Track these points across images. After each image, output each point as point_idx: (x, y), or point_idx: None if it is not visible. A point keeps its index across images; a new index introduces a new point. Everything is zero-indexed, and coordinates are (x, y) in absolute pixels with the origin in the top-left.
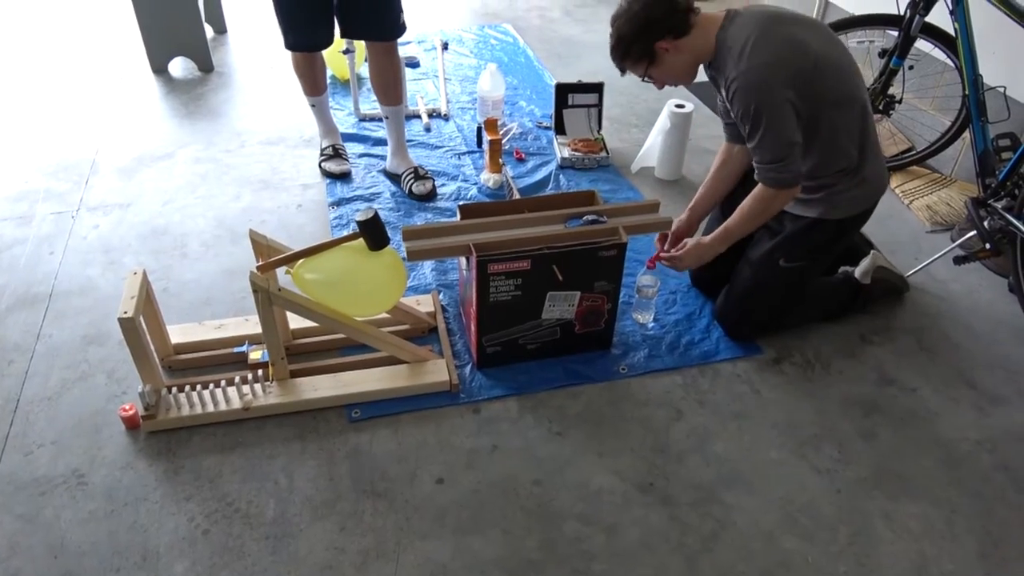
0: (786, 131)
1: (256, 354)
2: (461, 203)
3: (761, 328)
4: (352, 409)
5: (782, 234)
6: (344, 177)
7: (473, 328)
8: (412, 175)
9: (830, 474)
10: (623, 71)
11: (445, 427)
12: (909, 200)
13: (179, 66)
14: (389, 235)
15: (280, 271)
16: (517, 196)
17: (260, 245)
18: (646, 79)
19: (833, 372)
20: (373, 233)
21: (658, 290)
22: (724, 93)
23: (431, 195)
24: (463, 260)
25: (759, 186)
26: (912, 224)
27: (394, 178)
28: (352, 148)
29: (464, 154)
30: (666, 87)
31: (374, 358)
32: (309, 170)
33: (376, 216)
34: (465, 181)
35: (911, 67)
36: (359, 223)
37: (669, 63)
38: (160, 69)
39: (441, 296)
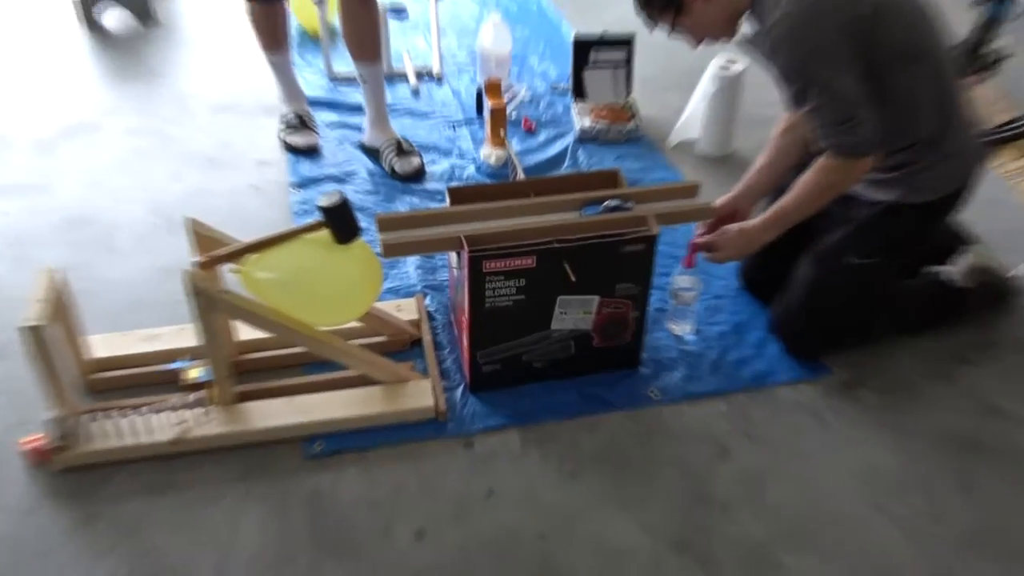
0: (845, 85)
1: (195, 372)
2: (452, 185)
3: (830, 343)
4: (313, 442)
5: (852, 224)
6: (311, 152)
7: (465, 341)
8: (394, 150)
9: (917, 532)
10: (652, 25)
11: (429, 466)
12: (1017, 181)
13: (114, 17)
14: (361, 225)
15: (228, 269)
16: (523, 176)
17: (201, 236)
18: (675, 33)
19: (922, 400)
20: (340, 222)
21: (699, 294)
22: (766, 51)
23: (418, 174)
24: (453, 256)
25: (823, 157)
26: (1021, 212)
27: (373, 154)
28: (321, 116)
29: (460, 124)
30: (706, 44)
31: (341, 378)
32: (268, 144)
33: (344, 201)
34: (461, 158)
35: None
36: (323, 209)
37: (700, 13)
38: (90, 20)
39: (428, 301)
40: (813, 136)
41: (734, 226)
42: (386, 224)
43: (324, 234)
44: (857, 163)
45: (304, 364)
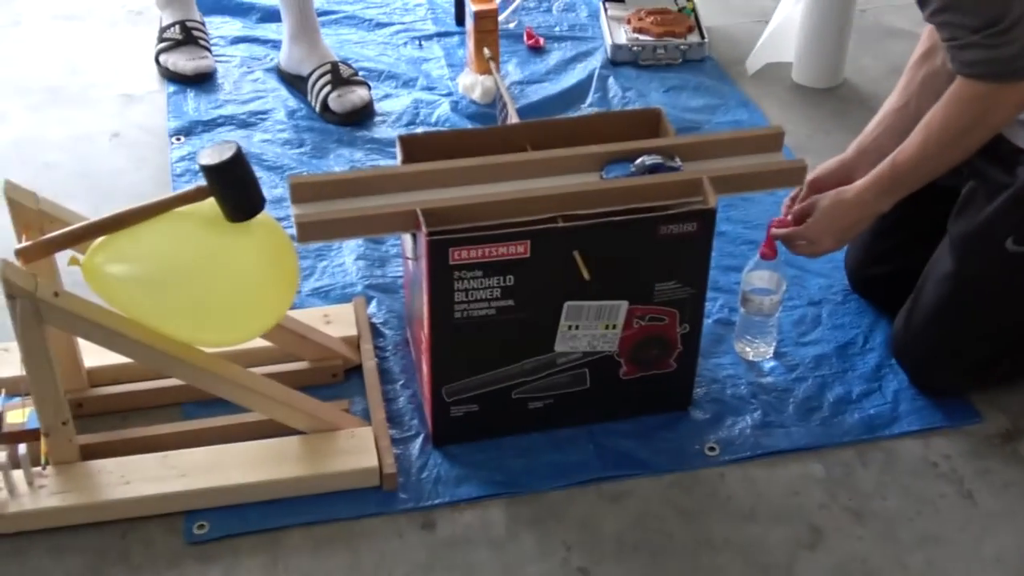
0: None
1: (16, 416)
2: (405, 133)
3: (977, 371)
4: (195, 521)
5: (1009, 191)
6: (202, 80)
7: (426, 369)
8: (329, 77)
9: None
10: None
11: (368, 556)
12: None
13: None
14: (265, 193)
15: (64, 259)
16: (515, 119)
17: (26, 209)
18: None
19: None
20: (233, 189)
21: (782, 299)
22: None
23: (363, 114)
24: (408, 242)
25: (956, 84)
26: None
27: (296, 83)
28: (218, 28)
29: (432, 38)
30: None
31: (240, 425)
32: (138, 68)
33: (238, 156)
34: (430, 90)
35: None
36: (207, 169)
37: None
38: None
39: (372, 307)
40: (946, 54)
41: (827, 195)
42: (304, 191)
43: (210, 207)
44: (1011, 89)
45: (184, 403)
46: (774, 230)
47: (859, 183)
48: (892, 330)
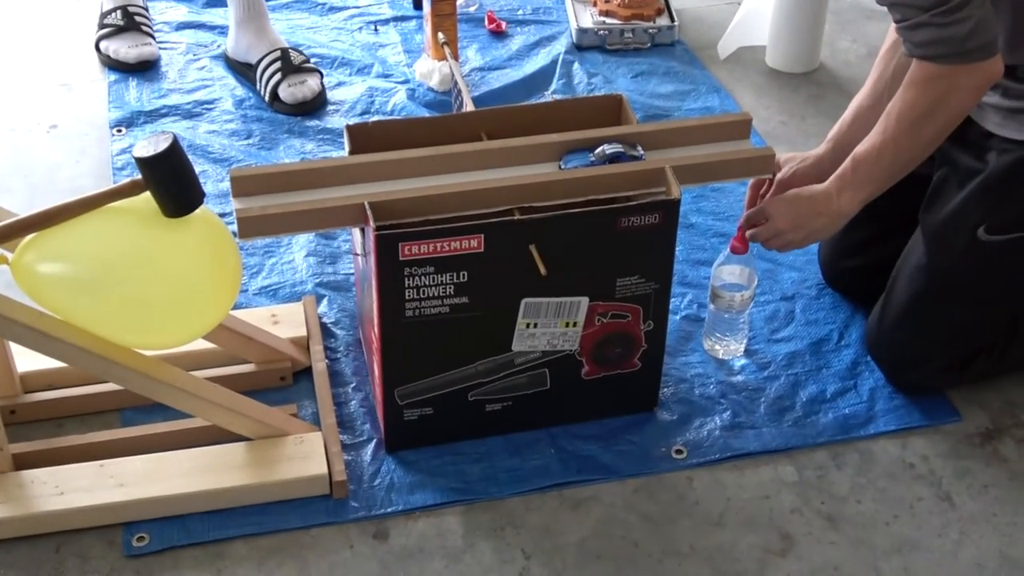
0: None
1: None
2: (353, 123)
3: (952, 368)
4: (134, 533)
5: (979, 178)
6: (145, 68)
7: (377, 371)
8: (278, 65)
9: None
10: None
11: (317, 568)
12: None
13: None
14: (211, 188)
15: None
16: (470, 107)
17: None
18: None
19: None
20: (169, 182)
21: (754, 294)
22: None
23: (315, 104)
24: (357, 237)
25: (912, 68)
26: None
27: (244, 71)
28: (162, 14)
29: (388, 23)
30: None
31: (182, 431)
32: (77, 56)
33: (174, 147)
34: (386, 77)
35: None
36: (142, 162)
37: None
38: None
39: (324, 306)
40: (900, 36)
41: (789, 192)
42: (246, 184)
43: (146, 202)
44: (967, 71)
45: (123, 409)
46: (744, 219)
47: (825, 182)
48: (866, 326)
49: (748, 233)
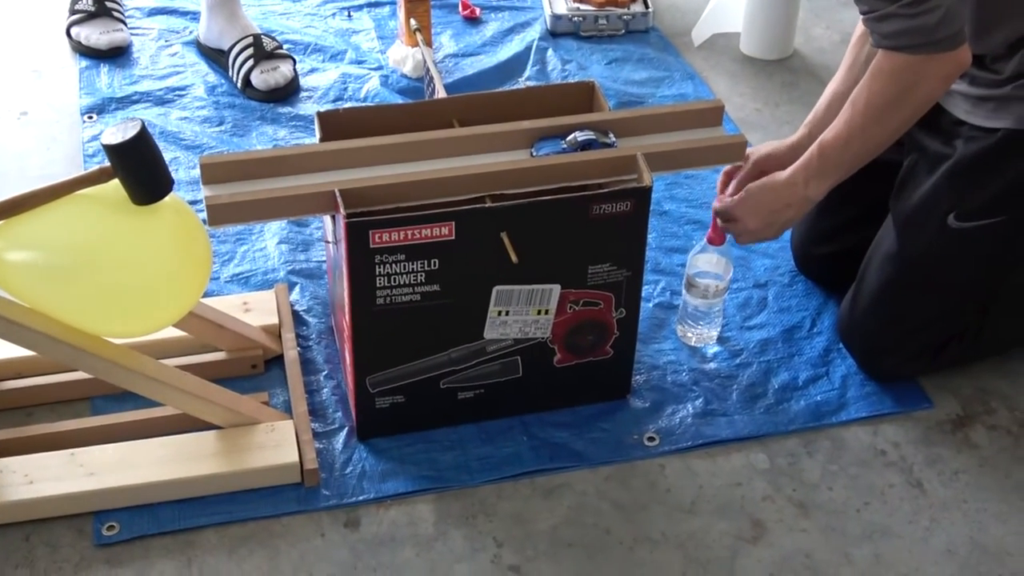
0: None
1: None
2: (324, 109)
3: (924, 355)
4: (104, 522)
5: (947, 164)
6: (116, 54)
7: (348, 359)
8: (251, 51)
9: None
10: None
11: (288, 557)
12: None
13: None
14: (183, 175)
15: None
16: (442, 93)
17: None
18: None
19: None
20: (138, 169)
21: (728, 283)
22: None
23: (288, 91)
24: (328, 224)
25: (878, 58)
26: None
27: (216, 57)
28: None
29: (361, 8)
30: None
31: (152, 420)
32: (47, 42)
33: (142, 134)
34: (360, 63)
35: None
36: (110, 149)
37: None
38: None
39: (296, 294)
40: (866, 27)
41: (753, 187)
42: (216, 171)
43: (115, 189)
44: (936, 61)
45: (93, 397)
46: (716, 206)
47: (789, 169)
48: (838, 314)
49: (721, 227)
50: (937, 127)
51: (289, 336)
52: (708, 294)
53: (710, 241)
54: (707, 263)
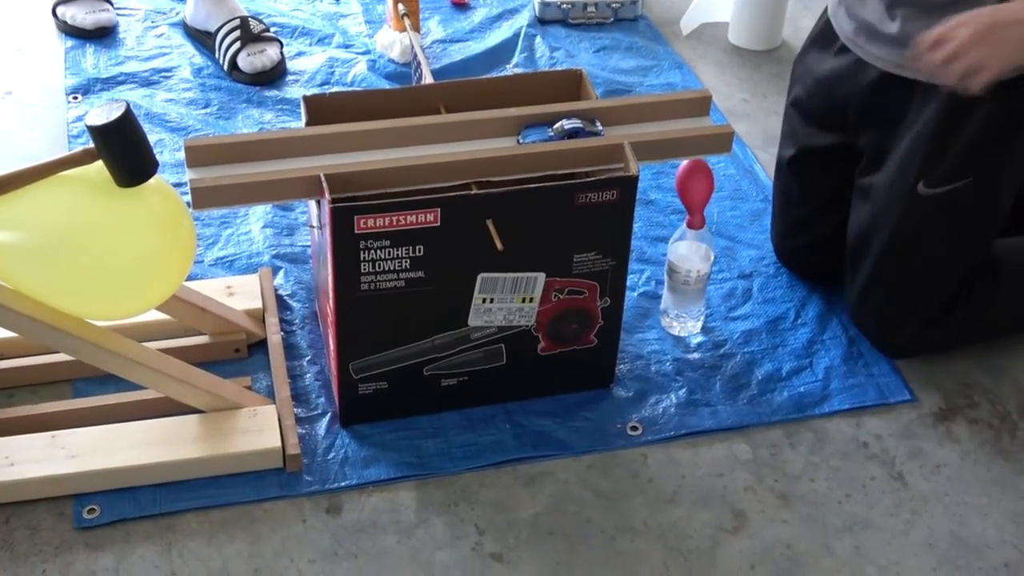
0: None
1: None
2: (310, 94)
3: (936, 325)
4: (85, 505)
5: (909, 134)
6: (102, 34)
7: (332, 345)
8: (238, 34)
9: None
10: None
11: (269, 542)
12: None
13: None
14: (168, 157)
15: None
16: (429, 79)
17: None
18: None
19: None
20: (122, 151)
21: (710, 271)
22: None
23: (274, 74)
24: (313, 209)
25: None
26: None
27: (202, 39)
28: None
29: None
30: None
31: (134, 403)
32: (32, 21)
33: (126, 116)
34: (347, 47)
35: None
36: (94, 130)
37: None
38: None
39: (280, 278)
40: None
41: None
42: (200, 155)
43: (99, 171)
44: None
45: (75, 380)
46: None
47: None
48: (845, 300)
49: (927, 55)
50: (904, 88)
51: (273, 320)
52: (689, 281)
53: (690, 225)
54: (688, 250)
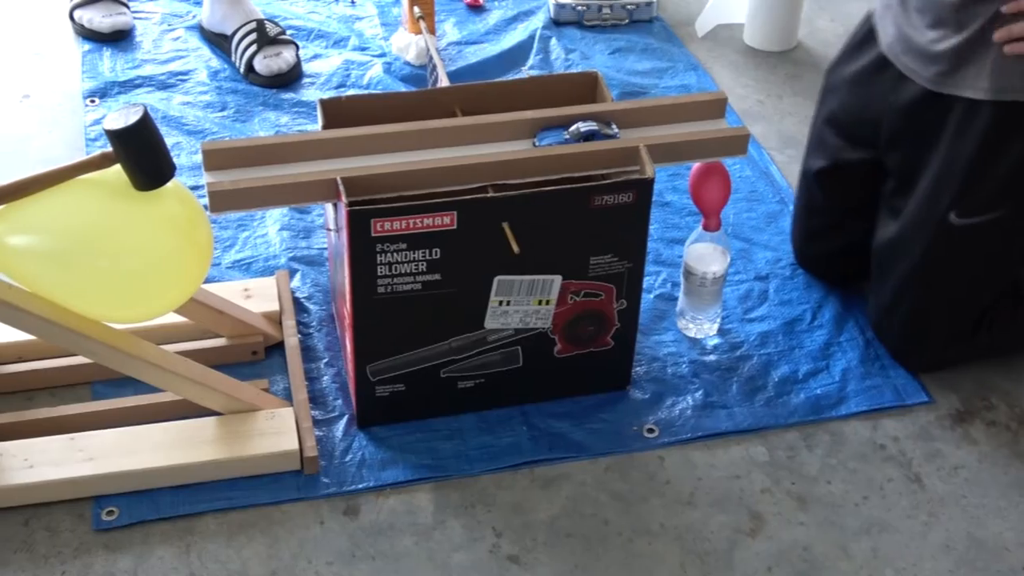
0: None
1: None
2: (326, 97)
3: (960, 344)
4: (104, 507)
5: (941, 160)
6: (119, 38)
7: (349, 347)
8: (254, 36)
9: None
10: None
11: (287, 544)
12: None
13: None
14: (185, 160)
15: None
16: (445, 82)
17: None
18: None
19: None
20: (140, 155)
21: (726, 273)
22: None
23: (290, 77)
24: (330, 212)
25: None
26: None
27: (219, 43)
28: None
29: None
30: None
31: (153, 405)
32: (50, 25)
33: (144, 120)
34: (363, 50)
35: None
36: (112, 134)
37: None
38: None
39: (297, 281)
40: None
41: None
42: (217, 158)
43: (117, 175)
44: None
45: (94, 382)
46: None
47: None
48: (867, 312)
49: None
50: (932, 103)
51: (290, 323)
52: (705, 283)
53: (706, 228)
54: (704, 252)
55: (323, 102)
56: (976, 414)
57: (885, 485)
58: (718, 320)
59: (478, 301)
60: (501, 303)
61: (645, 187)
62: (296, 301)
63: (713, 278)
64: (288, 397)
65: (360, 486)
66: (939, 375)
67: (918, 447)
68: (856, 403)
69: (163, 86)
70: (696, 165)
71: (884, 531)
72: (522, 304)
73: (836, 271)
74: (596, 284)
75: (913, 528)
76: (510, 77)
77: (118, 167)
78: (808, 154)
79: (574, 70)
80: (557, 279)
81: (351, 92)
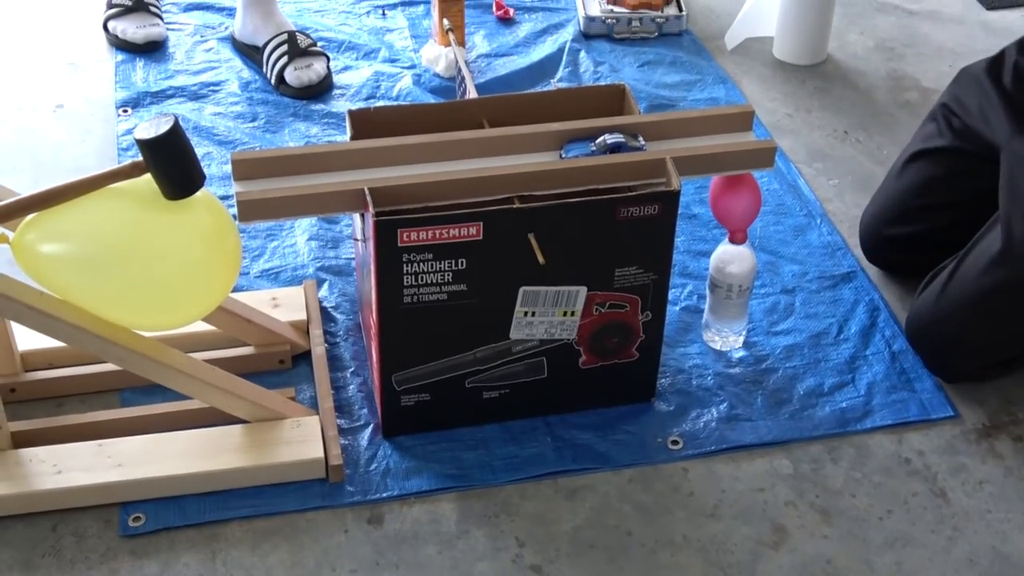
0: None
1: None
2: (355, 107)
3: (1003, 366)
4: (131, 513)
5: None
6: (152, 49)
7: (375, 356)
8: (285, 48)
9: None
10: None
11: (311, 552)
12: None
13: None
14: (215, 170)
15: None
16: (473, 94)
17: None
18: None
19: None
20: (170, 164)
21: (752, 286)
22: None
23: (321, 88)
24: (357, 222)
25: None
26: None
27: (251, 54)
28: None
29: (395, 7)
30: None
31: (180, 412)
32: (84, 35)
33: (175, 129)
34: (393, 62)
35: None
36: (143, 144)
37: None
38: None
39: (324, 291)
40: None
41: None
42: (247, 168)
43: (147, 184)
44: None
45: (123, 389)
46: None
47: None
48: (912, 307)
49: None
50: None
51: (317, 332)
52: (731, 295)
53: (732, 240)
54: (730, 264)
55: (351, 113)
56: (1002, 428)
57: (910, 499)
58: (744, 333)
59: (503, 312)
60: (526, 314)
61: (671, 199)
62: (323, 311)
63: (739, 291)
64: (314, 406)
65: (384, 495)
66: (965, 389)
67: (943, 461)
68: (881, 417)
69: (195, 96)
70: (714, 180)
71: (908, 545)
72: (547, 315)
73: (907, 260)
74: (621, 296)
75: (937, 543)
76: (538, 89)
77: (148, 176)
78: (920, 136)
79: (603, 82)
80: (582, 290)
81: (380, 103)
